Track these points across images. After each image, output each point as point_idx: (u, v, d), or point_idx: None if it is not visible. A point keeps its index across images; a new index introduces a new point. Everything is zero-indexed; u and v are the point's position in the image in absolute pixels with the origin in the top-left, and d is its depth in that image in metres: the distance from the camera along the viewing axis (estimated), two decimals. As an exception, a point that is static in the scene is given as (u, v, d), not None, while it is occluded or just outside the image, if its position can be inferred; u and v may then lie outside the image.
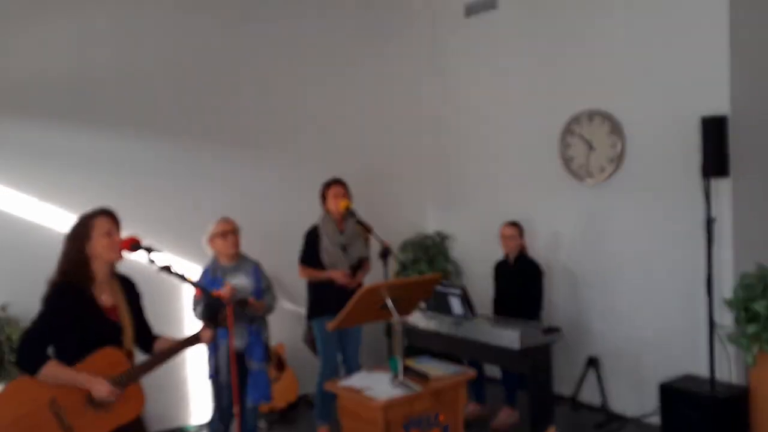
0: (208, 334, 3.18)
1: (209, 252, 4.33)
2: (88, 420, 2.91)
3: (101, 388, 2.90)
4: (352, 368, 4.90)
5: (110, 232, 3.01)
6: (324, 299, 4.84)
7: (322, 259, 4.86)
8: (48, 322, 2.93)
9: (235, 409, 3.31)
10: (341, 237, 4.89)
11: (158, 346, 3.20)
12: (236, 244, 4.30)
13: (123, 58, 5.09)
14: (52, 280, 2.98)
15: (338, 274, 4.80)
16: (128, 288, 3.16)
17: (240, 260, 4.33)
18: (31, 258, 4.52)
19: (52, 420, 2.87)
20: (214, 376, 4.19)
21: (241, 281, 4.23)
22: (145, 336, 3.22)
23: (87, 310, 2.96)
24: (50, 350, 2.94)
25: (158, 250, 3.04)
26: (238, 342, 4.10)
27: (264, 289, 4.35)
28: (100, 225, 3.01)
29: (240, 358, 4.14)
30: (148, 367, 3.06)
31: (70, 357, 2.92)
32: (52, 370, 2.86)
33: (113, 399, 2.93)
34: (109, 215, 3.07)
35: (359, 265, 4.97)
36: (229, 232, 4.26)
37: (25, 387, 2.88)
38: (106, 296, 3.04)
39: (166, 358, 3.12)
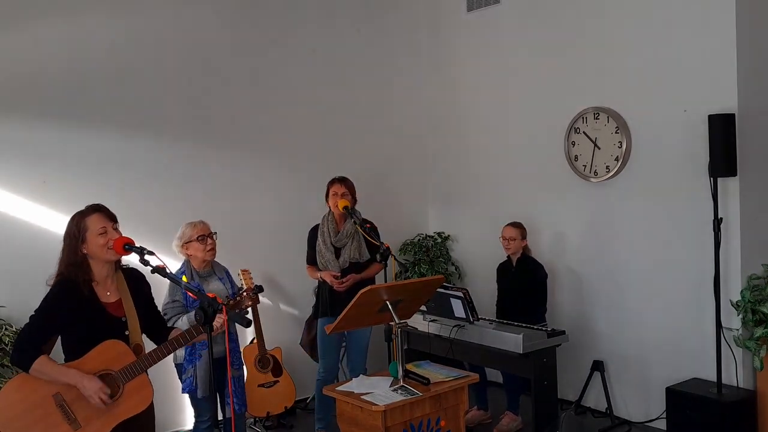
0: (219, 322, 3.05)
1: (182, 256, 4.15)
2: (93, 412, 2.87)
3: (89, 385, 2.85)
4: (356, 371, 4.79)
5: (105, 230, 2.95)
6: (323, 300, 4.84)
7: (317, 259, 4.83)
8: (42, 322, 2.90)
9: (223, 417, 3.20)
10: (334, 237, 4.80)
11: (171, 336, 3.14)
12: (215, 248, 4.13)
13: (117, 57, 5.00)
14: (52, 281, 2.94)
15: (326, 275, 4.75)
16: (134, 281, 3.10)
17: (213, 265, 4.21)
18: (25, 260, 4.49)
19: (56, 413, 2.85)
20: (193, 389, 3.96)
21: (217, 287, 4.11)
22: (157, 328, 3.20)
23: (87, 308, 2.91)
24: (58, 347, 2.94)
25: (152, 252, 2.94)
26: (218, 349, 3.85)
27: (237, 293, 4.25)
28: (94, 224, 2.95)
29: (221, 365, 3.95)
30: (153, 358, 2.99)
31: (77, 355, 2.90)
32: (43, 365, 2.84)
33: (104, 397, 2.86)
34: (102, 211, 3.00)
35: (356, 268, 4.82)
36: (207, 235, 4.11)
37: (28, 381, 2.86)
38: (111, 292, 3.00)
39: (172, 349, 3.05)
